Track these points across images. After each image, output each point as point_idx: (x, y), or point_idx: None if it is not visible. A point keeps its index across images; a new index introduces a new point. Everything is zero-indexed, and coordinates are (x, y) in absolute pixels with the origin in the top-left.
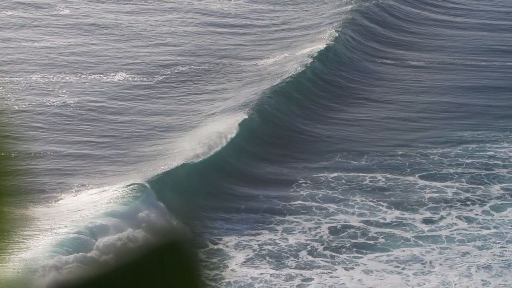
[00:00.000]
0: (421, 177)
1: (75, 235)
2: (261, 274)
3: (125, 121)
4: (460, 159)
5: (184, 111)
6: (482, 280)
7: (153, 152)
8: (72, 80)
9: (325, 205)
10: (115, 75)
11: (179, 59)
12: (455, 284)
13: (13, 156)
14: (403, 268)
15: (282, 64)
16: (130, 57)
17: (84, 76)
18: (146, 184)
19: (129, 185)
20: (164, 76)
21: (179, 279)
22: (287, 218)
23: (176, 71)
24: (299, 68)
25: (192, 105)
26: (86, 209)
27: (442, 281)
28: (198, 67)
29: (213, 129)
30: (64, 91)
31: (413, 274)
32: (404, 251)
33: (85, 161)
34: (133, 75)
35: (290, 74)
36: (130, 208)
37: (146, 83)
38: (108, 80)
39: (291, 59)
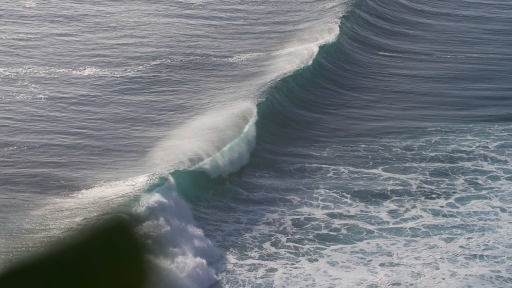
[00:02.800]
0: (385, 170)
1: None
2: (224, 263)
3: (96, 117)
4: (423, 152)
5: (160, 106)
6: (449, 270)
7: (127, 146)
8: (41, 73)
9: (288, 197)
10: (84, 68)
11: (151, 51)
12: (423, 275)
13: None
14: (370, 260)
15: (252, 55)
16: (100, 49)
17: (53, 69)
18: (166, 175)
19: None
20: (136, 70)
21: (128, 262)
22: (251, 208)
23: (148, 65)
24: (270, 58)
25: (166, 102)
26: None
27: (410, 272)
28: (170, 61)
29: (183, 121)
30: (33, 84)
31: (379, 265)
32: (369, 243)
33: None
34: (102, 69)
35: (261, 63)
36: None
37: (117, 76)
38: (77, 73)
39: (261, 49)
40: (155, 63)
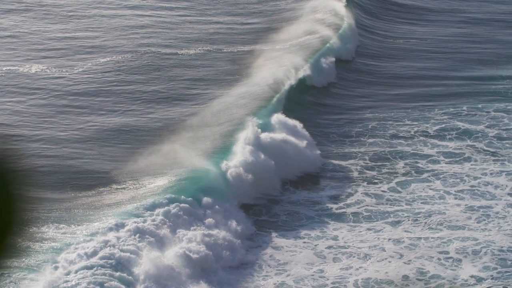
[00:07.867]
0: (324, 156)
1: None
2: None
3: (58, 121)
4: (362, 139)
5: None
6: (396, 253)
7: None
8: None
9: None
10: (31, 66)
11: (99, 45)
12: (370, 258)
13: None
14: (316, 245)
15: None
16: (47, 43)
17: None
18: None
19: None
20: (84, 68)
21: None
22: None
23: (97, 62)
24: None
25: (123, 104)
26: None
27: (358, 255)
28: (122, 57)
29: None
30: None
31: (326, 248)
32: (314, 228)
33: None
34: (50, 66)
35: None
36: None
37: (68, 75)
38: (24, 71)
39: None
40: (105, 60)
